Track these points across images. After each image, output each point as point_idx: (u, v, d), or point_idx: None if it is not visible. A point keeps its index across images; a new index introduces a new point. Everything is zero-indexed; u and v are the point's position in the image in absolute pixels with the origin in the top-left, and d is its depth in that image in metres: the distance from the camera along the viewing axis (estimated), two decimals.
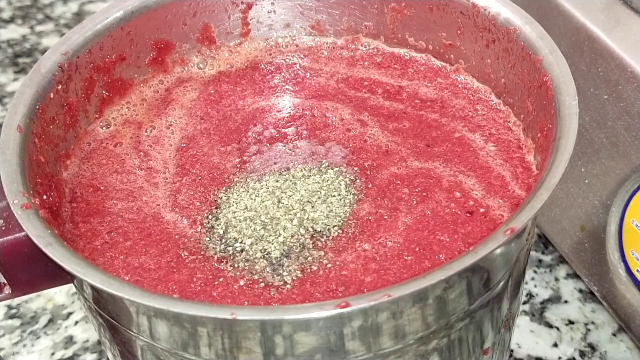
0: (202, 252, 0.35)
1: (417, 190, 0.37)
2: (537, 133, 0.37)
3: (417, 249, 0.34)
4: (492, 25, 0.40)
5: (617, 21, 0.42)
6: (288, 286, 0.33)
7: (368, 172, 0.38)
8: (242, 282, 0.33)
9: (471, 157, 0.38)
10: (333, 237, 0.35)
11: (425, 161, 0.38)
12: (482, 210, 0.35)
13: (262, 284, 0.33)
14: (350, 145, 0.40)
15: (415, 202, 0.36)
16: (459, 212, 0.35)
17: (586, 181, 0.45)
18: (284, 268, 0.34)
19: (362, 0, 0.45)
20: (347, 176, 0.38)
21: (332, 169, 0.39)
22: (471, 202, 0.36)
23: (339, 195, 0.37)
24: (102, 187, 0.38)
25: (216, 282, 0.33)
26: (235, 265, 0.34)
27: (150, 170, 0.39)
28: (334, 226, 0.36)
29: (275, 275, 0.34)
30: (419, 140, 0.40)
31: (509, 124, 0.40)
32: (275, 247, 0.35)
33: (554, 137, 0.33)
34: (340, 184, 0.38)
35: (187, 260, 0.34)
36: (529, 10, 0.39)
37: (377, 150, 0.39)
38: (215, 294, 0.33)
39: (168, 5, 0.43)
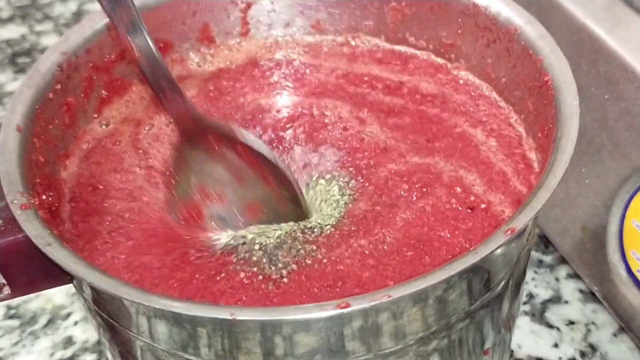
0: (208, 248, 0.35)
1: (416, 186, 0.37)
2: (538, 133, 0.37)
3: (417, 244, 0.34)
4: (492, 24, 0.40)
5: (618, 21, 0.42)
6: (285, 279, 0.33)
7: (364, 171, 0.38)
8: (242, 275, 0.33)
9: (472, 152, 0.38)
10: (326, 234, 0.35)
11: (425, 156, 0.38)
12: (483, 206, 0.35)
13: (261, 277, 0.33)
14: (346, 145, 0.40)
15: (415, 198, 0.36)
16: (460, 208, 0.35)
17: (587, 181, 0.45)
18: (279, 259, 0.34)
19: (362, 0, 0.45)
20: (341, 179, 0.38)
21: (323, 178, 0.39)
22: (472, 198, 0.36)
23: (333, 198, 0.37)
24: (100, 187, 0.38)
25: (218, 278, 0.33)
26: (235, 259, 0.34)
27: (150, 169, 0.39)
28: (326, 225, 0.36)
29: (271, 266, 0.34)
30: (419, 135, 0.40)
31: (511, 120, 0.40)
32: (271, 241, 0.35)
33: (554, 137, 0.33)
34: (334, 189, 0.38)
35: (191, 258, 0.34)
36: (529, 9, 0.39)
37: (375, 148, 0.39)
38: (215, 289, 0.33)
39: (168, 5, 0.43)
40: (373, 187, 0.37)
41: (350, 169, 0.38)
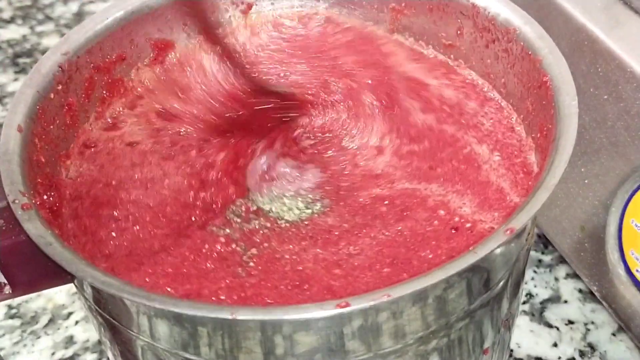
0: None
1: (397, 209, 0.36)
2: (537, 133, 0.37)
3: (393, 262, 0.33)
4: (491, 25, 0.40)
5: (617, 21, 0.42)
6: (252, 263, 0.33)
7: (341, 192, 0.37)
8: (221, 240, 0.34)
9: (473, 174, 0.37)
10: (279, 226, 0.35)
11: (418, 183, 0.37)
12: (468, 225, 0.34)
13: (234, 245, 0.34)
14: (332, 168, 0.39)
15: (392, 220, 0.35)
16: (442, 229, 0.34)
17: (586, 181, 0.45)
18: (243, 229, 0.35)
19: (362, 1, 0.45)
20: (309, 196, 0.37)
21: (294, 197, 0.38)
22: (457, 219, 0.35)
23: (296, 206, 0.37)
24: (98, 180, 0.38)
25: (203, 250, 0.34)
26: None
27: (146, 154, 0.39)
28: (282, 218, 0.36)
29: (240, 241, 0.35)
30: (424, 162, 0.38)
31: (512, 121, 0.39)
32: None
33: (553, 137, 0.33)
34: (299, 204, 0.37)
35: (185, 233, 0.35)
36: (528, 10, 0.39)
37: (368, 175, 0.38)
38: (203, 267, 0.33)
39: (168, 6, 0.43)
40: (348, 207, 0.36)
41: (327, 187, 0.37)
